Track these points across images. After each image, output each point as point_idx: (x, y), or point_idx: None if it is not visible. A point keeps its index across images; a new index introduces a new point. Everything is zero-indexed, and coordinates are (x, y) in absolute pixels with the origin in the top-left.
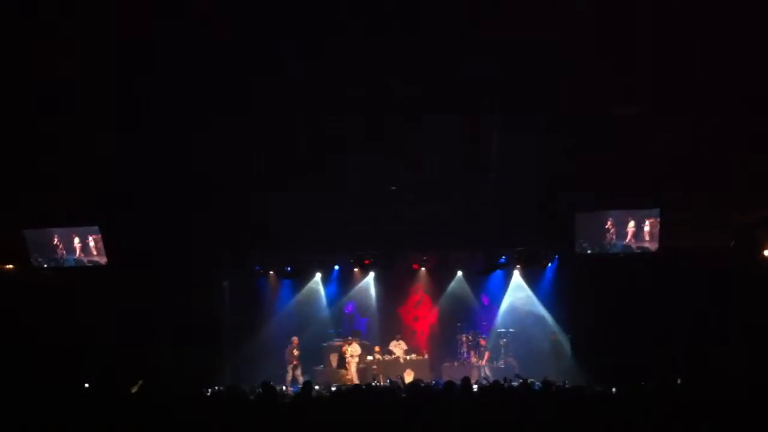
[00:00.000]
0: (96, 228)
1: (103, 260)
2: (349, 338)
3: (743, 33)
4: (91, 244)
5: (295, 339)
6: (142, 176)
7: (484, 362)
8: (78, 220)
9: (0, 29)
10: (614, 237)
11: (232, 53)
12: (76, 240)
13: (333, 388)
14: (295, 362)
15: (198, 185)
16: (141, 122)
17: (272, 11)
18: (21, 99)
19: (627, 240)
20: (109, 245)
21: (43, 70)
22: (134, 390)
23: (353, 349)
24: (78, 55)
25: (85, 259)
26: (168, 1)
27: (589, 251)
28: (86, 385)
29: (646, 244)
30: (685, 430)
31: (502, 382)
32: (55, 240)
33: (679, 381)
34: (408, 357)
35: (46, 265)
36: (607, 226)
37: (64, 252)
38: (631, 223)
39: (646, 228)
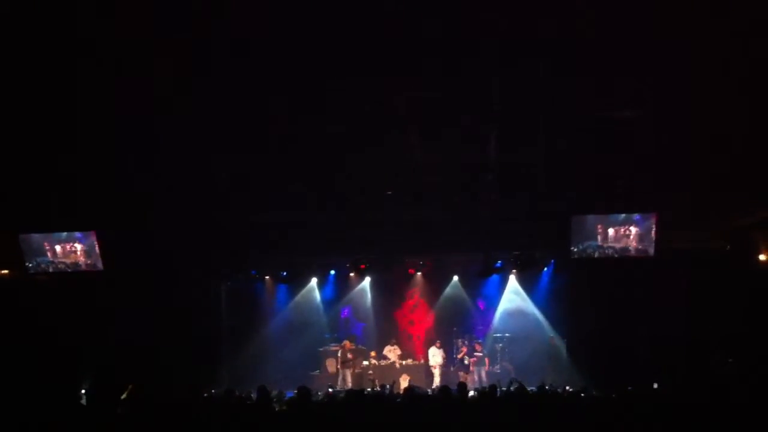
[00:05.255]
0: (93, 232)
1: (100, 264)
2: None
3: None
4: (88, 248)
5: (347, 342)
6: (140, 180)
7: (486, 368)
8: (75, 225)
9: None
10: (610, 240)
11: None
12: (73, 245)
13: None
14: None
15: (196, 189)
16: (140, 125)
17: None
18: (20, 102)
19: (623, 243)
20: (106, 250)
21: (43, 72)
22: (124, 396)
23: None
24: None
25: (82, 264)
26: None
27: (584, 254)
28: (84, 389)
29: (643, 247)
30: None
31: (498, 387)
32: (51, 245)
33: (672, 384)
34: (403, 362)
35: (42, 270)
36: (602, 230)
37: (60, 256)
38: (628, 227)
39: (643, 231)
